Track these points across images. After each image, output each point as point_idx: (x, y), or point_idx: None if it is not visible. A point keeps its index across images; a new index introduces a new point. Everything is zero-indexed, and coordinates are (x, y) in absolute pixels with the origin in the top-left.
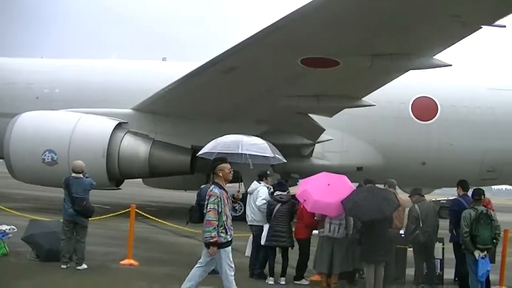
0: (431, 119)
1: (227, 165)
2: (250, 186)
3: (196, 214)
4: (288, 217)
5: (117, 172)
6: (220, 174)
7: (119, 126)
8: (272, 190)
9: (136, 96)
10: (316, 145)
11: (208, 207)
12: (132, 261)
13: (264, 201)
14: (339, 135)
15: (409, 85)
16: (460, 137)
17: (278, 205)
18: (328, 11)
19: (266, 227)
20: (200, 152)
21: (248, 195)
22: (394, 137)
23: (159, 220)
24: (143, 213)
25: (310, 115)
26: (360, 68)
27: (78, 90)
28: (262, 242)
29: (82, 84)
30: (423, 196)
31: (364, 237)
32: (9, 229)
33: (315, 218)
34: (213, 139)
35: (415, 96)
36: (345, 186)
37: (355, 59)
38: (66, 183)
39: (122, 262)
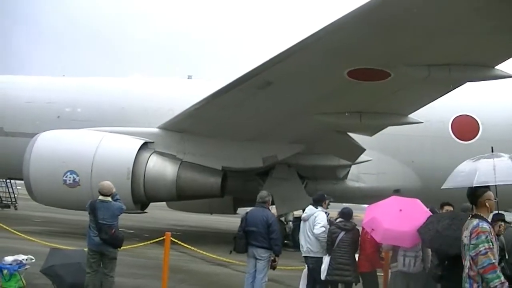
0: (472, 139)
1: (492, 193)
2: (305, 211)
3: (241, 242)
4: (353, 247)
5: (142, 195)
6: (487, 204)
7: (145, 145)
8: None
9: (161, 115)
10: (351, 166)
11: (482, 248)
12: None
13: (324, 229)
14: (375, 156)
15: (448, 102)
16: None
17: (342, 234)
18: (381, 14)
19: (326, 259)
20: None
21: (302, 222)
22: (433, 158)
23: (193, 248)
24: (178, 242)
25: (350, 134)
26: (413, 80)
27: (101, 109)
28: (322, 276)
29: (104, 103)
30: (509, 223)
31: (448, 272)
32: (27, 259)
33: (381, 250)
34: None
35: (455, 114)
36: (419, 212)
37: (409, 70)
38: (92, 207)
39: None
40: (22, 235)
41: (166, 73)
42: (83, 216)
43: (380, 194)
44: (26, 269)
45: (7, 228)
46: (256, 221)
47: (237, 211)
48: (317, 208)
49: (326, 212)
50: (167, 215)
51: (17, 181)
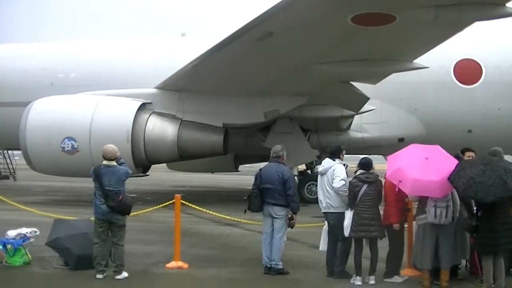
0: (475, 83)
1: None
2: (322, 164)
3: (256, 201)
4: (377, 200)
5: (143, 158)
6: None
7: (142, 107)
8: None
9: (157, 74)
10: (354, 117)
11: None
12: (180, 264)
13: (343, 182)
14: (378, 105)
15: (449, 46)
16: (508, 101)
17: (365, 187)
18: None
19: (348, 215)
20: None
21: (319, 176)
22: (436, 104)
23: (200, 209)
24: (186, 203)
25: (353, 83)
26: (419, 23)
27: (95, 73)
28: (346, 233)
29: (98, 66)
30: None
31: (482, 222)
32: (30, 233)
33: (407, 201)
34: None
35: (456, 59)
36: (445, 159)
37: (416, 13)
38: (96, 173)
39: (169, 265)
40: (23, 207)
41: (158, 33)
42: (85, 183)
43: (384, 144)
44: (30, 242)
45: (7, 200)
46: (271, 177)
47: (239, 169)
48: (334, 160)
49: (344, 164)
50: (167, 176)
51: (15, 152)
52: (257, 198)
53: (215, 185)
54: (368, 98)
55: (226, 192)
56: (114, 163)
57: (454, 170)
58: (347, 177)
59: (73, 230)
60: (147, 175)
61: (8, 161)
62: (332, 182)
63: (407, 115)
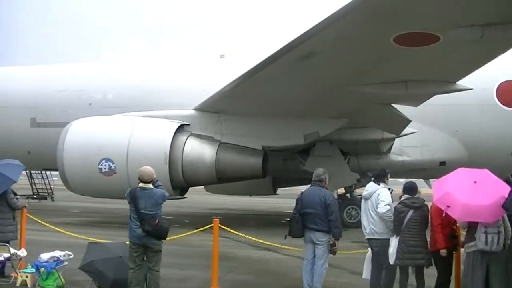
0: None
1: None
2: (366, 188)
3: (298, 226)
4: (423, 226)
5: (181, 180)
6: None
7: (181, 128)
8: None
9: (196, 96)
10: (394, 140)
11: None
12: None
13: (389, 207)
14: (418, 127)
15: (492, 67)
16: None
17: (410, 212)
18: None
19: (393, 242)
20: None
21: (363, 200)
22: (479, 126)
23: (237, 233)
24: (227, 228)
25: (394, 105)
26: (464, 43)
27: (133, 94)
28: (391, 261)
29: (136, 87)
30: None
31: None
32: (64, 256)
33: (455, 227)
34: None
35: (499, 80)
36: (494, 183)
37: (461, 32)
38: (132, 196)
39: None
40: (58, 228)
41: (196, 54)
42: (122, 205)
43: (425, 167)
44: (64, 266)
45: (41, 221)
46: (313, 201)
47: (277, 192)
48: (379, 184)
49: (389, 189)
50: (205, 198)
51: (53, 172)
52: (298, 223)
53: (253, 208)
54: (410, 121)
55: (264, 216)
56: (150, 185)
57: (508, 197)
58: (392, 202)
59: (107, 254)
60: (185, 197)
61: (46, 181)
62: (377, 207)
63: (449, 137)
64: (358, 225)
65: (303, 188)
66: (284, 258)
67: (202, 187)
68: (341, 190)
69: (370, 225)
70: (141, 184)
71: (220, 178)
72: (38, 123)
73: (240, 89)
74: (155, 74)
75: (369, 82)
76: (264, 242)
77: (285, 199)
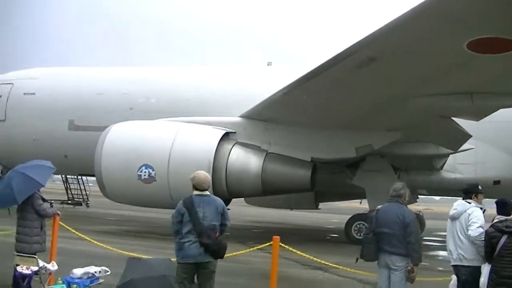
0: None
1: None
2: (454, 207)
3: (371, 248)
4: None
5: (224, 190)
6: None
7: (226, 136)
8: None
9: (240, 103)
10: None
11: None
12: None
13: (482, 230)
14: (473, 144)
15: None
16: None
17: (504, 238)
18: None
19: (485, 270)
20: None
21: (450, 221)
22: None
23: (298, 252)
24: (288, 247)
25: (454, 118)
26: None
27: (176, 100)
28: None
29: (180, 93)
30: None
31: None
32: (100, 272)
33: None
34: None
35: None
36: None
37: None
38: (189, 203)
39: None
40: (94, 241)
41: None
42: (159, 214)
43: None
44: (99, 284)
45: (76, 232)
46: (390, 220)
47: (319, 206)
48: (469, 203)
49: (482, 208)
50: (241, 210)
51: (89, 178)
52: (372, 245)
53: (293, 222)
54: (470, 136)
55: (306, 231)
56: (207, 193)
57: None
58: (485, 223)
59: (150, 272)
60: (228, 209)
61: (82, 187)
62: (467, 230)
63: (505, 155)
64: None
65: (343, 204)
66: (341, 280)
67: (241, 198)
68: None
69: (458, 249)
70: (196, 192)
71: (265, 190)
72: (77, 126)
73: (291, 96)
74: (201, 80)
75: (432, 92)
76: (319, 260)
77: (326, 214)
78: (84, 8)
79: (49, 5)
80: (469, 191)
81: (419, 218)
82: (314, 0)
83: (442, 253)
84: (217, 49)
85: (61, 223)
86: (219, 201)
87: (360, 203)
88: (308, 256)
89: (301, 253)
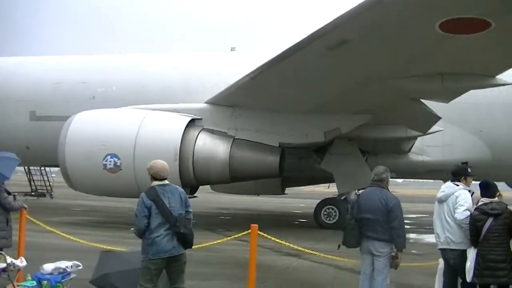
0: None
1: None
2: (442, 189)
3: (353, 234)
4: (507, 237)
5: (192, 178)
6: None
7: (191, 123)
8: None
9: (204, 90)
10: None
11: None
12: None
13: (469, 213)
14: (441, 126)
15: None
16: None
17: (490, 220)
18: None
19: (471, 254)
20: None
21: (437, 203)
22: (505, 126)
23: (276, 240)
24: (266, 235)
25: (424, 100)
26: None
27: (138, 88)
28: (468, 278)
29: (142, 80)
30: None
31: None
32: (72, 267)
33: None
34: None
35: None
36: None
37: None
38: (154, 195)
39: None
40: (64, 234)
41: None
42: (124, 203)
43: (446, 168)
44: (71, 279)
45: (44, 225)
46: (373, 205)
47: (285, 192)
48: (457, 185)
49: (470, 191)
50: (206, 197)
51: (52, 168)
52: (354, 231)
53: (259, 208)
54: (439, 118)
55: (273, 216)
56: (167, 182)
57: None
58: (473, 206)
59: (124, 265)
60: (195, 196)
61: (45, 178)
62: (455, 212)
63: (472, 137)
64: None
65: (308, 188)
66: (316, 266)
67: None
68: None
69: (446, 232)
70: (156, 182)
71: (233, 177)
72: (38, 116)
73: (259, 80)
74: (165, 67)
75: (403, 74)
76: (294, 246)
77: (292, 199)
78: None
79: None
80: (458, 173)
81: None
82: None
83: (417, 236)
84: (184, 40)
85: (28, 217)
86: (180, 189)
87: (328, 187)
88: (283, 242)
89: (276, 240)
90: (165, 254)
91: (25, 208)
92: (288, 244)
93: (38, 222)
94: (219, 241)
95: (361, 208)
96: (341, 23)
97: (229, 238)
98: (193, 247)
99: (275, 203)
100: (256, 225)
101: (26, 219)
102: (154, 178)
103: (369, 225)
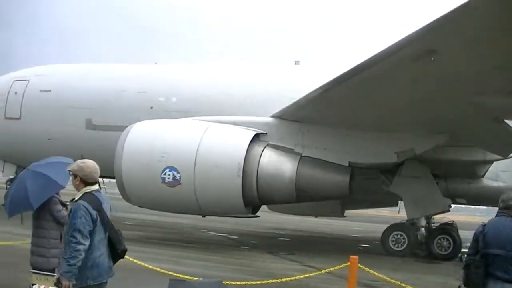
0: None
1: None
2: None
3: (478, 273)
4: None
5: (255, 196)
6: None
7: (256, 137)
8: None
9: (269, 103)
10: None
11: None
12: None
13: None
14: None
15: None
16: None
17: None
18: None
19: None
20: None
21: None
22: None
23: (375, 273)
24: (367, 269)
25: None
26: None
27: (200, 99)
28: None
29: (204, 91)
30: None
31: None
32: None
33: None
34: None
35: None
36: None
37: None
38: (98, 204)
39: None
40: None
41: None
42: (180, 219)
43: None
44: None
45: None
46: (503, 239)
47: (344, 214)
48: None
49: None
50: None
51: (105, 180)
52: (480, 270)
53: (317, 230)
54: None
55: (334, 240)
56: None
57: None
58: None
59: None
60: (257, 216)
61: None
62: None
63: None
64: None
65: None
66: None
67: None
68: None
69: None
70: (90, 188)
71: (299, 197)
72: (94, 125)
73: (330, 94)
74: (223, 78)
75: (490, 90)
76: (392, 280)
77: (349, 222)
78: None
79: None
80: None
81: (454, 229)
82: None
83: None
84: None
85: None
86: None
87: (398, 212)
88: (382, 276)
89: (375, 273)
90: (105, 278)
91: None
92: (388, 278)
93: None
94: (306, 275)
95: (487, 242)
96: (430, 30)
97: (320, 271)
98: (276, 280)
99: (326, 225)
100: (356, 257)
101: None
102: (85, 182)
103: (499, 263)
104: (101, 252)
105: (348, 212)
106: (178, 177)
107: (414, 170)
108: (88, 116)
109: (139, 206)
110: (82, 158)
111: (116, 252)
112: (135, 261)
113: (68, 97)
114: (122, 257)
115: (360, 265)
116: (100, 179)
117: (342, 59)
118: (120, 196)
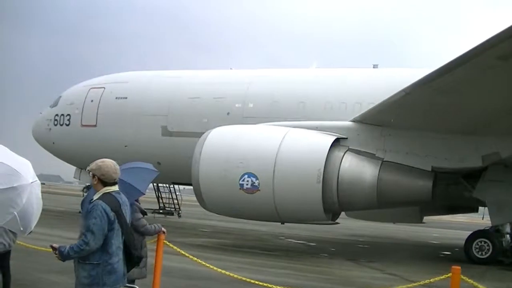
0: None
1: None
2: None
3: None
4: None
5: (335, 202)
6: None
7: (336, 142)
8: None
9: (347, 107)
10: None
11: None
12: None
13: None
14: None
15: None
16: None
17: None
18: None
19: None
20: None
21: None
22: None
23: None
24: (469, 279)
25: None
26: None
27: (277, 104)
28: None
29: (281, 97)
30: None
31: None
32: None
33: None
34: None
35: None
36: None
37: None
38: (117, 205)
39: None
40: (203, 262)
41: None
42: (254, 225)
43: None
44: None
45: (182, 252)
46: None
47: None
48: None
49: None
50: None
51: (180, 186)
52: None
53: (394, 236)
54: None
55: (412, 247)
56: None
57: None
58: None
59: None
60: (337, 223)
61: (173, 195)
62: None
63: None
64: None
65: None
66: None
67: None
68: None
69: None
70: (110, 188)
71: (381, 203)
72: (170, 132)
73: (414, 97)
74: (301, 83)
75: None
76: None
77: (427, 228)
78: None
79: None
80: None
81: None
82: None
83: None
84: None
85: (166, 242)
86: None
87: (483, 218)
88: None
89: (478, 286)
90: (120, 284)
91: (164, 232)
92: None
93: (174, 247)
94: (413, 285)
95: None
96: None
97: (417, 283)
98: None
99: (401, 231)
100: (459, 267)
101: (164, 244)
102: (104, 183)
103: None
104: (119, 258)
105: (424, 218)
106: (256, 184)
107: (499, 175)
108: (164, 123)
109: (216, 213)
110: (159, 164)
111: (130, 258)
112: (218, 270)
113: (144, 104)
114: (138, 264)
115: (462, 276)
116: (176, 186)
117: (417, 63)
118: (197, 203)
